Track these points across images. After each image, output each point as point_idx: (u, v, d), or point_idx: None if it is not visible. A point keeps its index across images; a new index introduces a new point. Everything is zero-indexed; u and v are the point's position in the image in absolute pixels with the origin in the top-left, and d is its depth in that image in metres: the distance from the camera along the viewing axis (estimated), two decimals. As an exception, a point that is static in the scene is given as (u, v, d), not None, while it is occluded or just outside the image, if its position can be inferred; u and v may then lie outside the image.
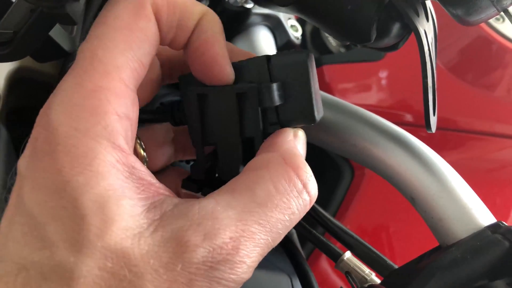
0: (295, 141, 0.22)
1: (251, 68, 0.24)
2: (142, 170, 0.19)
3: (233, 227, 0.18)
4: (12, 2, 0.27)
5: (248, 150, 0.24)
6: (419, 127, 0.62)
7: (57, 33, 0.32)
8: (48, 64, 0.49)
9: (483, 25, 0.60)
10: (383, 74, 0.63)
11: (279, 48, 0.43)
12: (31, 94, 0.50)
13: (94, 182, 0.17)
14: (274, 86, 0.23)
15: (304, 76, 0.23)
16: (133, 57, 0.19)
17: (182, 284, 0.17)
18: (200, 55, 0.22)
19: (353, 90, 0.64)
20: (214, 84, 0.24)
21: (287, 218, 0.19)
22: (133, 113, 0.20)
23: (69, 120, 0.18)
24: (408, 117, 0.63)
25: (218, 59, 0.23)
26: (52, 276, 0.16)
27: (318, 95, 0.25)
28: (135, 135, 0.20)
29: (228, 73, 0.23)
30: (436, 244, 0.28)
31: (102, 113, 0.18)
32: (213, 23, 0.23)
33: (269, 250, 0.19)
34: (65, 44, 0.33)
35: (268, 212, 0.19)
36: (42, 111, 0.19)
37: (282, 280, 0.47)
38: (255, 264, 0.19)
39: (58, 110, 0.18)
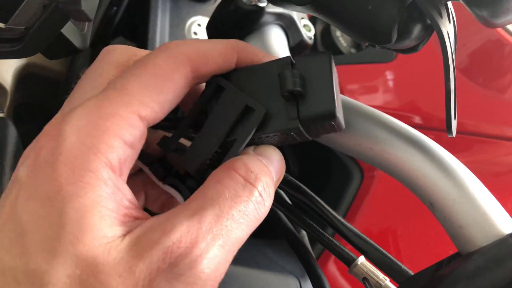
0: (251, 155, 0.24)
1: (274, 66, 0.24)
2: (128, 194, 0.20)
3: (187, 222, 0.18)
4: (24, -2, 0.27)
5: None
6: (428, 130, 0.61)
7: (68, 29, 0.31)
8: (56, 61, 0.49)
9: (495, 27, 0.59)
10: (393, 75, 0.63)
11: (291, 48, 0.42)
12: (39, 90, 0.49)
13: (82, 193, 0.18)
14: (296, 71, 0.24)
15: (325, 72, 0.23)
16: (156, 101, 0.21)
17: (143, 287, 0.17)
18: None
19: (363, 91, 0.64)
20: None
21: (243, 208, 0.20)
22: (139, 144, 0.21)
23: (79, 135, 0.19)
24: (417, 119, 0.63)
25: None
26: (25, 281, 0.17)
27: (339, 98, 0.25)
28: (131, 165, 0.21)
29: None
30: (448, 248, 0.28)
31: (111, 134, 0.19)
32: (244, 47, 0.25)
33: (236, 243, 0.20)
34: (76, 41, 0.33)
35: (220, 204, 0.20)
36: (54, 122, 0.20)
37: (291, 282, 0.47)
38: (222, 259, 0.19)
39: (73, 125, 0.19)
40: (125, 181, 0.21)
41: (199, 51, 0.23)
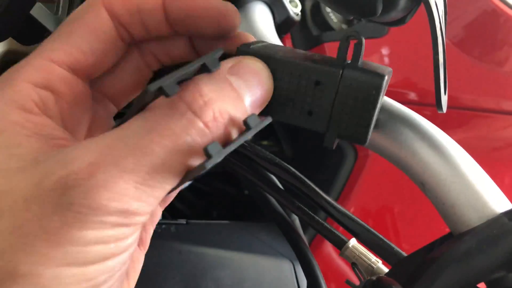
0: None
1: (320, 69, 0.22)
2: (55, 128, 0.20)
3: (96, 153, 0.17)
4: (-13, -20, 0.25)
5: None
6: (424, 106, 0.60)
7: (40, 13, 0.30)
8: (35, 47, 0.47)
9: (491, -3, 0.57)
10: (386, 51, 0.61)
11: (278, 25, 0.40)
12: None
13: None
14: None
15: (372, 99, 0.22)
16: (71, 44, 0.21)
17: (34, 213, 0.16)
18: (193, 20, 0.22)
19: (356, 68, 0.62)
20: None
21: (165, 140, 0.17)
22: (61, 86, 0.21)
23: None
24: (412, 96, 0.61)
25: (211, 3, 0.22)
26: None
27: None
28: (62, 109, 0.21)
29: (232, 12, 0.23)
30: (445, 226, 0.27)
31: (14, 79, 0.19)
32: None
33: (149, 176, 0.17)
34: (50, 25, 0.31)
35: (139, 136, 0.17)
36: None
37: (284, 265, 0.47)
38: (125, 190, 0.17)
39: None
40: (58, 118, 0.20)
41: None
